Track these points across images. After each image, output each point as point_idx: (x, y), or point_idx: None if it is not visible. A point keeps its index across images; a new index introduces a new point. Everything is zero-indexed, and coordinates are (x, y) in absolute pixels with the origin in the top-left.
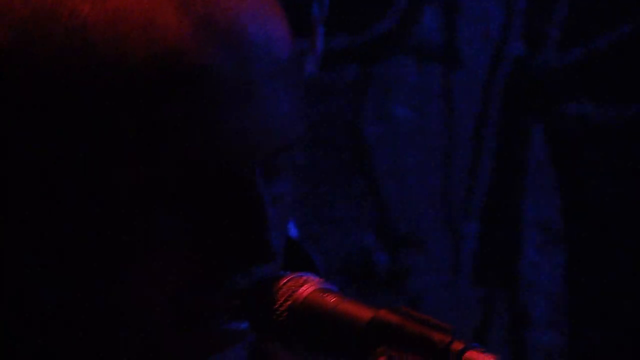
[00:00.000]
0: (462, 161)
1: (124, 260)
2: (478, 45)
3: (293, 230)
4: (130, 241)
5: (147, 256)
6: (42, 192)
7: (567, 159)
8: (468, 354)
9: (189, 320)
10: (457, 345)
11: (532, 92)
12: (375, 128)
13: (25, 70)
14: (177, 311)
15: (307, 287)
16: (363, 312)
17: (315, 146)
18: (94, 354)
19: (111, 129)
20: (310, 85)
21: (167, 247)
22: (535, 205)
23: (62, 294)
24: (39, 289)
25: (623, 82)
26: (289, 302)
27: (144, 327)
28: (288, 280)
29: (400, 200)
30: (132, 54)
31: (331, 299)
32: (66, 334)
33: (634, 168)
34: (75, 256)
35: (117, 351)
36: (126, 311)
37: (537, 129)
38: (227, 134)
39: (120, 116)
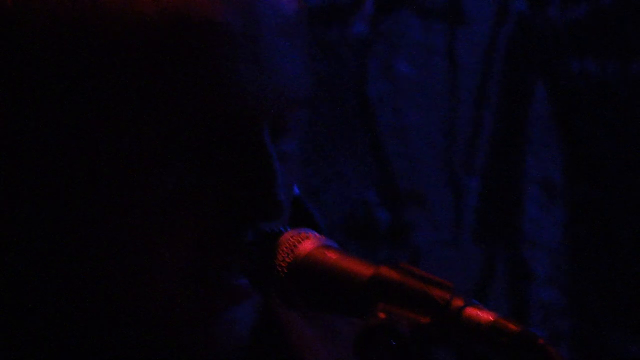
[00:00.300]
0: (464, 118)
1: (135, 217)
2: (482, 2)
3: (294, 187)
4: (141, 197)
5: (157, 212)
6: (55, 146)
7: (569, 115)
8: (468, 311)
9: (199, 277)
10: (457, 302)
11: (535, 49)
12: (379, 85)
13: (35, 26)
14: (188, 268)
15: (308, 243)
16: (363, 269)
17: (318, 102)
18: (106, 313)
19: (122, 82)
20: (315, 41)
21: (177, 203)
22: (537, 162)
23: (72, 253)
24: (47, 248)
25: (625, 39)
26: (289, 259)
27: (154, 284)
28: (289, 237)
29: (402, 156)
30: (143, 8)
31: (332, 256)
32: (77, 295)
33: (635, 124)
34: (86, 214)
35: (128, 310)
36: (137, 268)
37: (540, 86)
38: (235, 89)
39: (130, 69)
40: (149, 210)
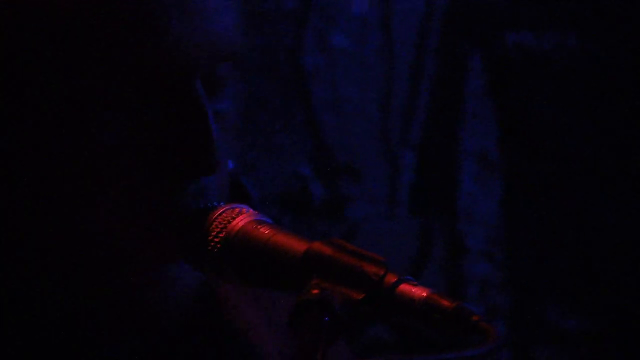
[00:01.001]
0: (400, 91)
1: (72, 170)
2: None
3: (230, 162)
4: (77, 151)
5: (95, 167)
6: None
7: (505, 88)
8: (401, 287)
9: (139, 232)
10: (391, 278)
11: (471, 21)
12: (314, 58)
13: None
14: (131, 222)
15: (242, 218)
16: (297, 244)
17: (254, 74)
18: (58, 270)
19: (56, 34)
20: (250, 13)
21: (115, 158)
22: (473, 136)
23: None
24: None
25: (563, 12)
26: (222, 234)
27: (98, 240)
28: (222, 212)
29: (337, 130)
30: None
31: (265, 231)
32: (26, 257)
33: (571, 98)
34: (23, 171)
35: (74, 266)
36: (80, 220)
37: (476, 59)
38: (166, 42)
39: (61, 24)
40: (86, 163)
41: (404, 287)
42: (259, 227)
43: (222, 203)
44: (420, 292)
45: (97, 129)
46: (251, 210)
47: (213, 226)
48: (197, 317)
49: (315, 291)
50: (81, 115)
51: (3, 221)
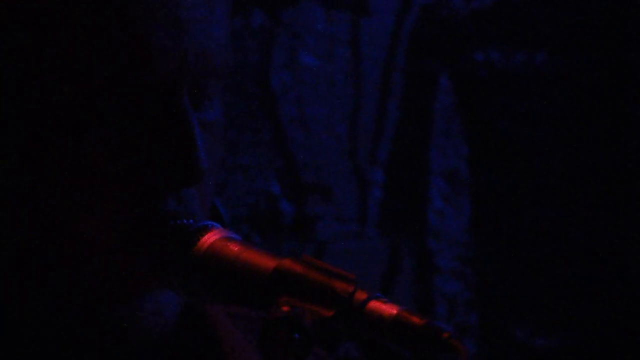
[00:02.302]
0: (368, 109)
1: (57, 185)
2: None
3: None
4: (63, 164)
5: (80, 179)
6: None
7: (473, 106)
8: (371, 304)
9: (125, 253)
10: (360, 295)
11: (439, 39)
12: (282, 75)
13: None
14: (113, 237)
15: (211, 235)
16: (266, 262)
17: (221, 91)
18: (32, 285)
19: (43, 45)
20: None
21: (100, 168)
22: (442, 154)
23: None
24: None
25: (531, 30)
26: (191, 251)
27: (81, 254)
28: (192, 229)
29: (306, 148)
30: None
31: (235, 248)
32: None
33: (539, 115)
34: (9, 183)
35: (56, 280)
36: (62, 237)
37: (444, 77)
38: (155, 53)
39: (51, 31)
40: (71, 176)
41: (374, 304)
42: (228, 244)
43: (191, 221)
44: (390, 309)
45: (82, 140)
46: (221, 227)
47: (182, 243)
48: (182, 341)
49: (285, 308)
50: (67, 126)
51: None
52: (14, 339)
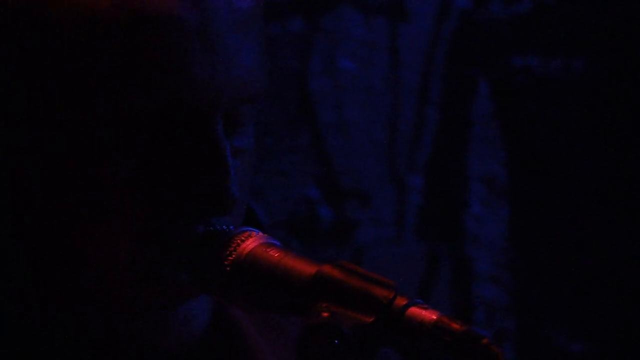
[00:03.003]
0: (407, 115)
1: (88, 205)
2: None
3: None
4: (94, 185)
5: (110, 202)
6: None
7: (512, 112)
8: (411, 310)
9: (149, 273)
10: (400, 301)
11: (478, 44)
12: (321, 81)
13: None
14: (140, 260)
15: (251, 241)
16: (306, 267)
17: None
18: (58, 305)
19: (77, 71)
20: None
21: (130, 193)
22: (480, 159)
23: (20, 246)
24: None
25: (568, 35)
26: (232, 257)
27: (104, 278)
28: (232, 235)
29: (344, 154)
30: (98, 1)
31: (275, 254)
32: (26, 290)
33: (577, 121)
34: (37, 203)
35: (78, 303)
36: (87, 262)
37: (483, 82)
38: (189, 82)
39: (85, 58)
40: (101, 199)
41: (414, 310)
42: (268, 249)
43: (231, 227)
44: (429, 315)
45: (115, 164)
46: (260, 233)
47: (223, 249)
48: (210, 347)
49: (325, 314)
50: (99, 149)
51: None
52: (41, 351)
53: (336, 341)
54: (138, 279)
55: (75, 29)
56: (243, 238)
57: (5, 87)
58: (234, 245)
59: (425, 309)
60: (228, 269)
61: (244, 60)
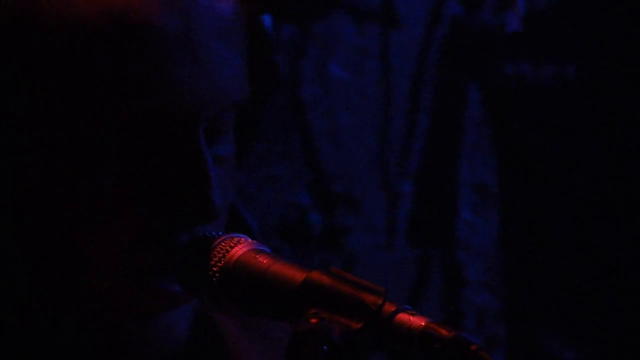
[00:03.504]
0: (398, 121)
1: (70, 214)
2: (415, 4)
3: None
4: (75, 199)
5: (93, 210)
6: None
7: (503, 118)
8: (399, 316)
9: (133, 280)
10: (389, 308)
11: (470, 52)
12: (312, 87)
13: None
14: (123, 267)
15: (240, 248)
16: (295, 274)
17: (250, 104)
18: (42, 311)
19: (57, 80)
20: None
21: (112, 201)
22: (471, 166)
23: (11, 252)
24: None
25: (560, 42)
26: (221, 263)
27: (90, 283)
28: (221, 241)
29: (335, 160)
30: (81, 9)
31: (264, 260)
32: (16, 291)
33: (569, 128)
34: (23, 211)
35: (64, 308)
36: (73, 266)
37: (474, 89)
38: (170, 90)
39: (66, 67)
40: (84, 207)
41: (403, 316)
42: (257, 256)
43: (220, 233)
44: (418, 321)
45: (97, 173)
46: (249, 239)
47: (212, 255)
48: (192, 350)
49: (314, 320)
50: (82, 157)
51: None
52: (26, 352)
53: (325, 347)
54: (127, 286)
55: (61, 36)
56: (232, 244)
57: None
58: (222, 251)
59: (414, 315)
60: (217, 275)
61: (227, 70)
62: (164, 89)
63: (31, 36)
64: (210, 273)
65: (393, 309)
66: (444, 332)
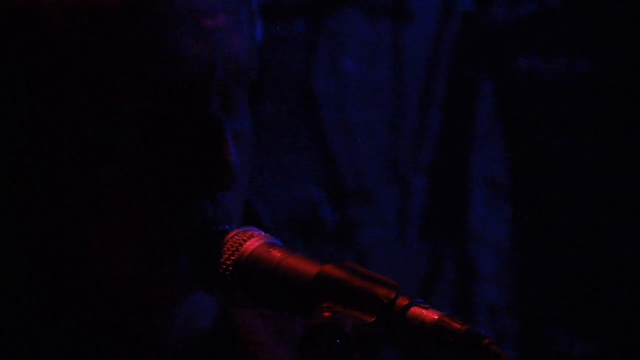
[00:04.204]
0: (410, 116)
1: (93, 194)
2: None
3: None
4: (100, 161)
5: (115, 180)
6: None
7: (515, 113)
8: (412, 310)
9: (152, 271)
10: (402, 301)
11: (482, 46)
12: (325, 82)
13: None
14: (146, 244)
15: (253, 241)
16: (309, 268)
17: (264, 98)
18: (59, 308)
19: (73, 56)
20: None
21: (134, 170)
22: (484, 160)
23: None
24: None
25: (572, 37)
26: (234, 257)
27: (108, 277)
28: (234, 235)
29: (348, 154)
30: None
31: (277, 254)
32: (29, 290)
33: (581, 123)
34: (41, 201)
35: (82, 302)
36: (91, 258)
37: (487, 84)
38: (183, 60)
39: (79, 43)
40: (106, 178)
41: (415, 310)
42: (270, 250)
43: (234, 227)
44: (431, 315)
45: (118, 142)
46: (263, 233)
47: (225, 249)
48: (214, 347)
49: (327, 314)
50: (99, 130)
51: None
52: (46, 351)
53: (338, 341)
54: (141, 279)
55: (64, 15)
56: (245, 238)
57: (2, 88)
58: (236, 245)
59: (427, 309)
60: (231, 269)
61: (236, 41)
62: (174, 58)
63: (32, 19)
64: (224, 267)
65: (406, 303)
66: (457, 325)
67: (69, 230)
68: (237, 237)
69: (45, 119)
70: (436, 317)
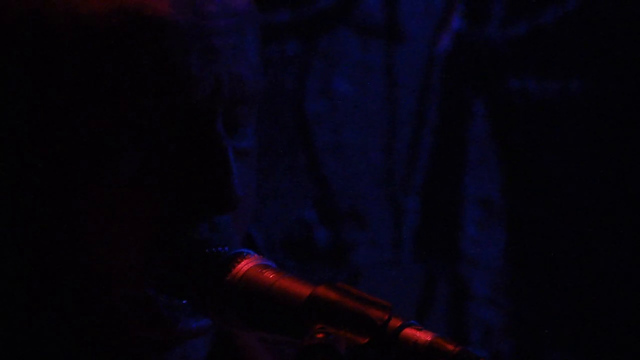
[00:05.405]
0: (403, 136)
1: (94, 201)
2: (420, 19)
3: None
4: (101, 180)
5: (116, 197)
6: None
7: (508, 134)
8: (405, 331)
9: (149, 305)
10: (395, 322)
11: (475, 67)
12: (317, 103)
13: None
14: (138, 295)
15: (246, 263)
16: (301, 289)
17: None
18: (57, 331)
19: (77, 74)
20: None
21: (134, 190)
22: (476, 181)
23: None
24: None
25: (565, 58)
26: (227, 278)
27: (106, 309)
28: (228, 256)
29: (341, 175)
30: (95, 6)
31: (270, 275)
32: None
33: (574, 143)
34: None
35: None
36: (89, 279)
37: (479, 104)
38: (190, 79)
39: (85, 61)
40: (107, 194)
41: (409, 331)
42: (263, 271)
43: (226, 248)
44: (424, 336)
45: (121, 160)
46: (256, 254)
47: (218, 271)
48: None
49: (320, 335)
50: (103, 150)
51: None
52: (47, 350)
53: None
54: (138, 314)
55: (75, 34)
56: (238, 260)
57: (9, 91)
58: (229, 266)
59: (420, 330)
60: (224, 290)
61: (241, 58)
62: (180, 77)
63: (47, 33)
64: (217, 287)
65: (399, 324)
66: (450, 347)
67: (68, 240)
68: (230, 259)
69: (52, 135)
70: (429, 339)
